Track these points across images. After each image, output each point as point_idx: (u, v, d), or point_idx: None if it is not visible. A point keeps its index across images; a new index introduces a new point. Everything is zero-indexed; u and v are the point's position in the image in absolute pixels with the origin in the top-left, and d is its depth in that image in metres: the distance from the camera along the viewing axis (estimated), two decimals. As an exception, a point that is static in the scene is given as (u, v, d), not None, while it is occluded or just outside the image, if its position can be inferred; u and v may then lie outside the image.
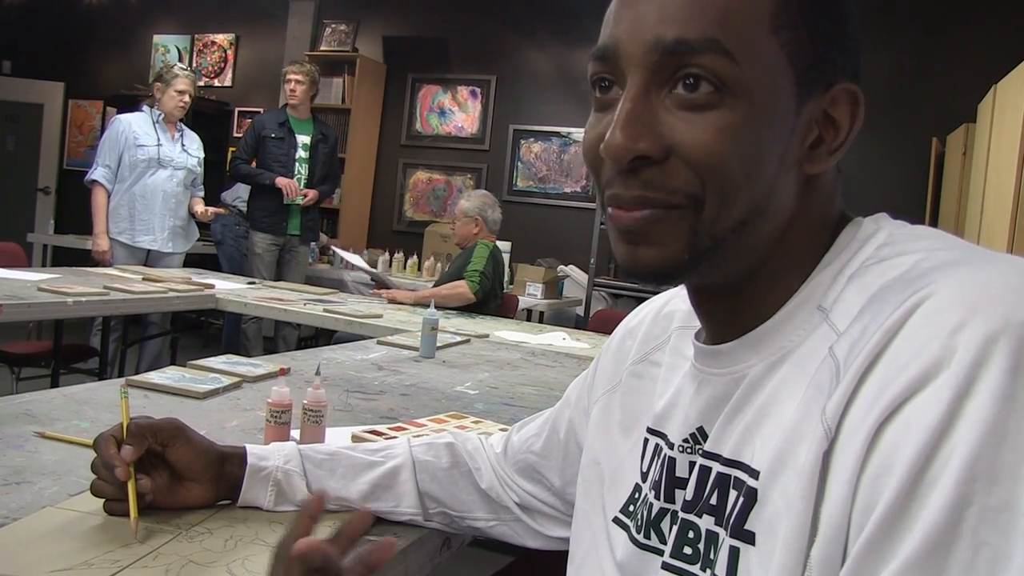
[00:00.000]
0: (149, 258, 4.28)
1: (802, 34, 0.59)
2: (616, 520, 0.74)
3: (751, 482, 0.59)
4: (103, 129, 6.87)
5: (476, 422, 1.54)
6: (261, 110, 6.79)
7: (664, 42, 0.57)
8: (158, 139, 4.20)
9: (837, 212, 0.66)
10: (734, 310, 0.65)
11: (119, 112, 4.52)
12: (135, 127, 4.19)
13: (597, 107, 0.64)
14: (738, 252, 0.61)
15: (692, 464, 0.66)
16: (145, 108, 4.26)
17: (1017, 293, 0.48)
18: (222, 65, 7.29)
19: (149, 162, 4.19)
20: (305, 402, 1.26)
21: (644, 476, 0.73)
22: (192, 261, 4.79)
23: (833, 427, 0.52)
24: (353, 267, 4.44)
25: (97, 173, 4.15)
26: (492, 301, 3.69)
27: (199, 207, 4.41)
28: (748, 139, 0.57)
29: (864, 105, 0.62)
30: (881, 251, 0.60)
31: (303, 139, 4.85)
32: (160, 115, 4.24)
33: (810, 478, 0.53)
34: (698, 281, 0.64)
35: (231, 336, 4.89)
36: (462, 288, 3.56)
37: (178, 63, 4.40)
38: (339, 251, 4.52)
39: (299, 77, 4.82)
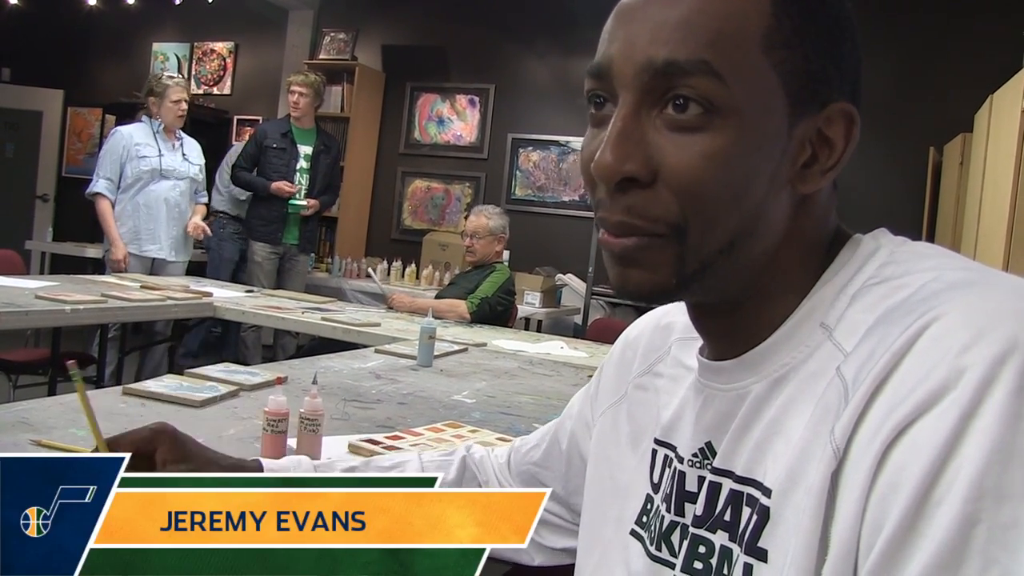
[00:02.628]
0: (154, 266, 4.30)
1: (796, 53, 0.59)
2: (633, 532, 0.74)
3: (764, 500, 0.59)
4: (102, 137, 6.90)
5: (473, 431, 1.54)
6: (260, 118, 6.81)
7: (655, 64, 0.58)
8: (159, 149, 4.22)
9: (832, 229, 0.66)
10: (733, 327, 0.65)
11: (118, 120, 4.54)
12: (136, 138, 4.20)
13: (593, 123, 0.64)
14: (729, 273, 0.61)
15: (701, 479, 0.67)
16: (144, 119, 4.26)
17: (1022, 315, 0.49)
18: (221, 73, 7.29)
19: (152, 173, 4.21)
20: (302, 411, 1.26)
21: (656, 487, 0.73)
22: (192, 269, 4.80)
23: (842, 447, 0.53)
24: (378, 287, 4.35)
25: (99, 185, 4.16)
26: (496, 320, 3.69)
27: (194, 219, 4.41)
28: (736, 163, 0.58)
29: (859, 125, 0.62)
30: (884, 270, 0.60)
31: (305, 149, 4.88)
32: (160, 125, 4.25)
33: (819, 497, 0.53)
34: (692, 299, 0.65)
35: (227, 344, 4.89)
36: (461, 308, 3.58)
37: (166, 72, 4.44)
38: (374, 275, 4.43)
39: (302, 90, 4.83)
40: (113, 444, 0.91)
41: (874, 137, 5.05)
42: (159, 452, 0.90)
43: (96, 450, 0.90)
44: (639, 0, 0.61)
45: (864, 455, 0.51)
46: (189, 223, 4.41)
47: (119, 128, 4.29)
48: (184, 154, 4.34)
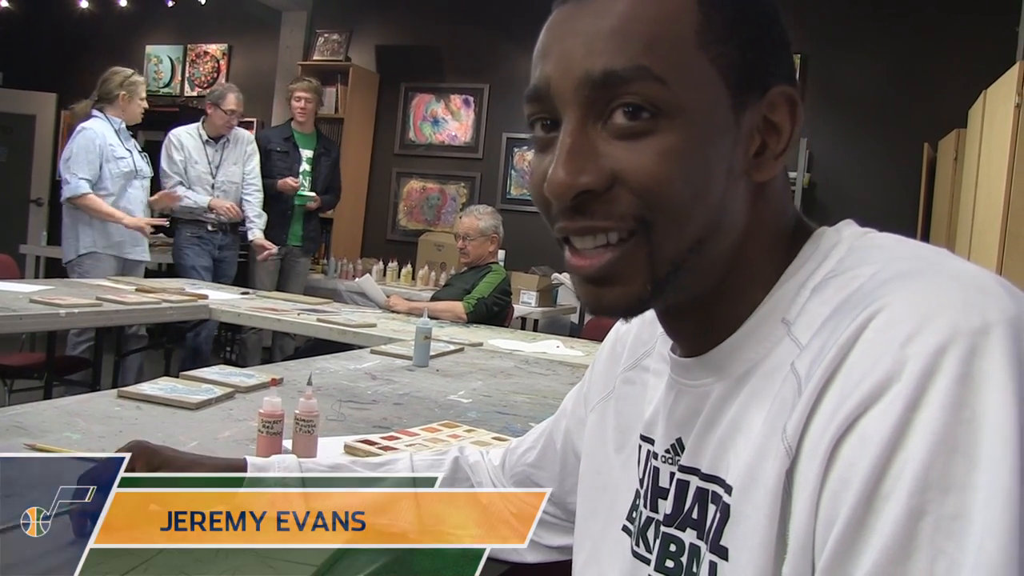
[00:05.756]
0: (125, 267, 4.13)
1: (730, 46, 0.59)
2: (624, 528, 0.74)
3: (726, 498, 0.59)
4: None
5: (469, 431, 1.54)
6: (254, 120, 6.80)
7: (593, 76, 0.58)
8: (128, 149, 4.09)
9: (792, 219, 0.66)
10: (700, 326, 0.65)
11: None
12: (108, 138, 3.99)
13: (539, 147, 0.64)
14: (699, 271, 0.61)
15: (672, 476, 0.67)
16: (98, 115, 4.04)
17: (966, 302, 0.49)
18: (215, 75, 7.28)
19: (130, 174, 4.05)
20: (297, 412, 1.26)
21: (641, 483, 0.74)
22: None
23: (794, 445, 0.53)
24: (366, 296, 4.23)
25: (83, 186, 3.87)
26: (493, 320, 3.69)
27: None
28: (691, 159, 0.58)
29: (801, 105, 0.62)
30: (843, 263, 0.60)
31: (306, 153, 5.05)
32: (121, 123, 4.07)
33: (774, 496, 0.54)
34: (663, 305, 0.65)
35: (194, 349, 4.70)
36: (457, 309, 3.59)
37: (124, 69, 4.19)
38: (363, 285, 4.22)
39: (307, 95, 4.96)
40: None
41: (868, 133, 5.06)
42: (137, 466, 0.91)
43: None
44: (567, 15, 0.61)
45: (815, 452, 0.51)
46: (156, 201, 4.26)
47: (90, 126, 3.98)
48: (140, 152, 4.21)
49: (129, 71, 4.18)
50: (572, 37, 0.60)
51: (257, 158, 4.75)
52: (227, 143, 4.59)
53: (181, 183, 4.46)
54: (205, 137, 4.55)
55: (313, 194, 4.98)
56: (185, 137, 4.54)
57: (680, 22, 0.58)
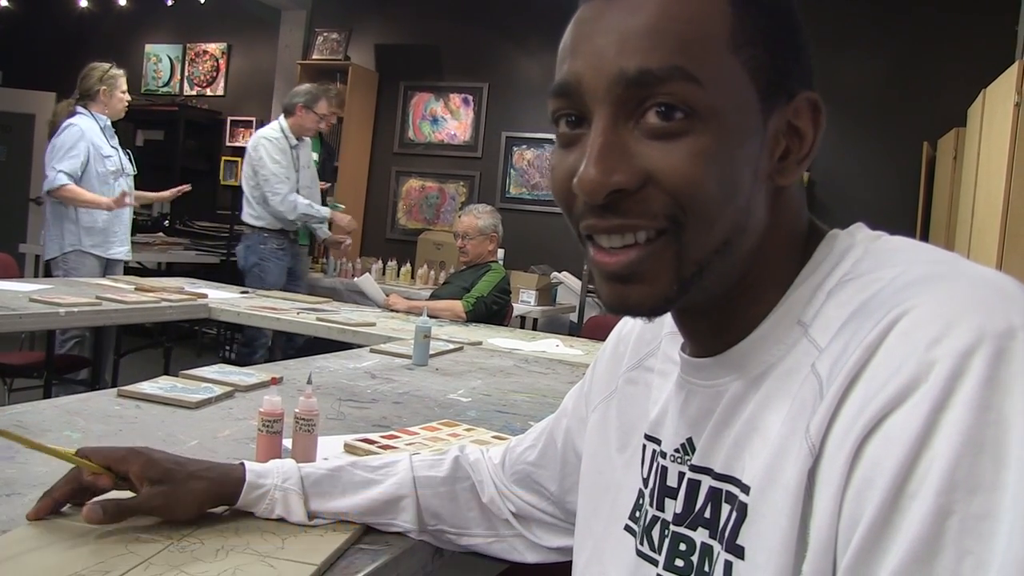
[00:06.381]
0: (107, 266, 4.10)
1: (760, 50, 0.59)
2: (627, 527, 0.74)
3: (743, 497, 0.59)
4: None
5: (469, 430, 1.54)
6: (253, 119, 6.81)
7: (627, 75, 0.57)
8: (113, 147, 4.05)
9: (806, 221, 0.67)
10: (715, 326, 0.66)
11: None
12: (95, 136, 3.94)
13: (562, 143, 0.63)
14: (723, 272, 0.62)
15: (681, 475, 0.67)
16: (84, 112, 4.00)
17: (991, 305, 0.50)
18: (214, 74, 7.28)
19: (116, 173, 4.01)
20: (296, 411, 1.26)
21: (645, 483, 0.74)
22: (184, 271, 4.77)
23: (817, 444, 0.53)
24: (366, 296, 4.19)
25: (60, 178, 3.77)
26: (492, 319, 3.69)
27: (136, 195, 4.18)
28: (722, 161, 0.58)
29: (824, 112, 0.63)
30: (858, 266, 0.61)
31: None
32: (106, 120, 4.03)
33: (796, 495, 0.54)
34: (683, 304, 0.65)
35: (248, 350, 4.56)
36: (457, 308, 3.59)
37: (102, 64, 4.09)
38: (362, 284, 4.18)
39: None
40: (86, 453, 0.91)
41: (868, 132, 5.06)
42: (133, 471, 0.90)
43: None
44: (597, 12, 0.60)
45: (839, 451, 0.51)
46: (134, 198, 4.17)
47: (75, 122, 3.92)
48: (124, 150, 4.17)
49: (107, 65, 4.09)
50: (604, 34, 0.59)
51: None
52: (299, 145, 4.49)
53: (297, 189, 4.33)
54: (293, 141, 4.42)
55: (343, 206, 5.06)
56: (281, 140, 4.39)
57: (713, 23, 0.58)
